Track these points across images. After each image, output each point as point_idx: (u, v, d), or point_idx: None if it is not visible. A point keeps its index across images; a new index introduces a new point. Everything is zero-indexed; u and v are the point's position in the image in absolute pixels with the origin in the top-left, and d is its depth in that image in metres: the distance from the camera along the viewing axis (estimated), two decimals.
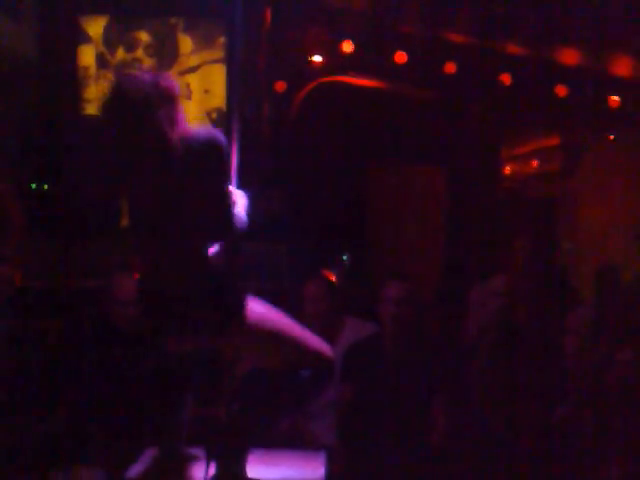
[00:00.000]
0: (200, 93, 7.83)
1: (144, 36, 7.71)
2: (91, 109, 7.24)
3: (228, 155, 2.94)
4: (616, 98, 8.14)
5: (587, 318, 3.12)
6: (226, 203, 2.84)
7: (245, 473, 3.14)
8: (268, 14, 6.91)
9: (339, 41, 7.50)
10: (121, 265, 4.18)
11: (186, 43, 7.80)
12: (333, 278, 4.70)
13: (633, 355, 2.76)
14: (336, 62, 7.60)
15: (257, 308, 2.99)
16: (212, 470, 3.19)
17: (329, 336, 4.33)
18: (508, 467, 2.27)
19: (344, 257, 7.51)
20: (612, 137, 9.80)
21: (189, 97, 7.86)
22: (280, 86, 7.41)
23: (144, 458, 3.48)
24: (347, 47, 7.50)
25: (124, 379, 3.80)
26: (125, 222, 6.73)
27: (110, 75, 7.58)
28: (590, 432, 1.91)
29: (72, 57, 7.01)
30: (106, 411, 3.68)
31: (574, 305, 3.67)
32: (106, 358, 3.84)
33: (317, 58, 7.54)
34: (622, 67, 8.03)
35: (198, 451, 3.34)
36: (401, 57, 7.59)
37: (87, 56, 7.45)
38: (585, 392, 2.48)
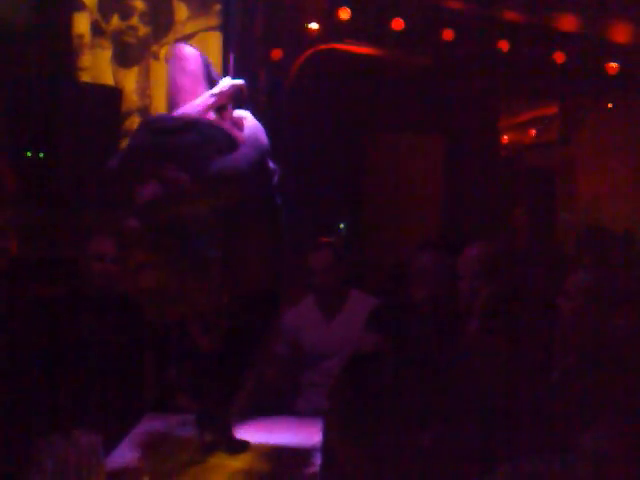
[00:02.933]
0: None
1: (139, 3, 7.63)
2: (86, 77, 7.18)
3: None
4: (614, 65, 8.10)
5: (584, 282, 3.13)
6: None
7: (228, 414, 3.19)
8: None
9: (336, 8, 7.44)
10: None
11: (181, 10, 7.72)
12: (339, 246, 4.57)
13: (628, 318, 2.78)
14: (333, 29, 7.55)
15: None
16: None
17: (334, 307, 4.33)
18: (505, 425, 2.29)
19: (341, 226, 7.50)
20: (610, 105, 9.77)
21: None
22: (276, 54, 7.36)
23: (143, 423, 3.50)
24: (344, 14, 7.44)
25: (112, 343, 3.81)
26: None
27: (105, 43, 7.52)
28: (586, 392, 1.93)
29: (66, 25, 6.94)
30: (102, 376, 3.69)
31: (571, 269, 3.68)
32: (92, 323, 3.83)
33: (314, 25, 7.49)
34: (620, 33, 7.98)
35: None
36: (398, 24, 7.53)
37: (81, 24, 7.37)
38: (582, 353, 2.50)
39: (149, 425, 3.49)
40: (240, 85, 3.28)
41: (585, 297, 2.96)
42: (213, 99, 3.20)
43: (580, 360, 2.33)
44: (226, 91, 3.23)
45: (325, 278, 4.29)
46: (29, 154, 5.38)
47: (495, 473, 1.54)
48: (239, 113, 3.34)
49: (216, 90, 3.22)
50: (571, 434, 1.85)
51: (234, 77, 3.51)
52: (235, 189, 3.03)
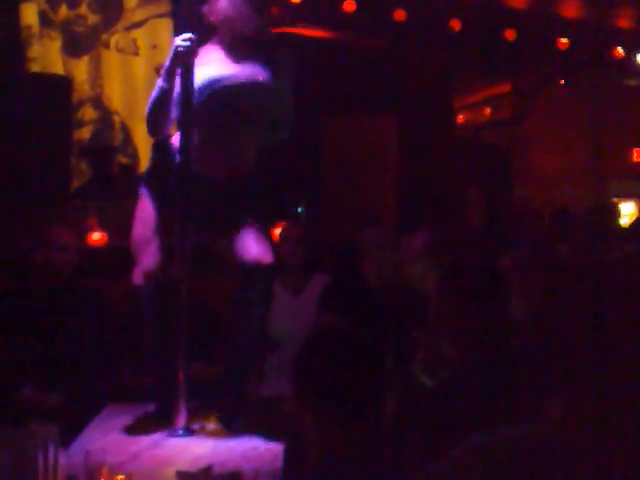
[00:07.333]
0: (148, 49, 7.72)
1: None
2: (35, 67, 7.10)
3: None
4: (565, 40, 8.16)
5: (525, 255, 3.25)
6: None
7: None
8: None
9: None
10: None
11: None
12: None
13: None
14: (285, 13, 7.51)
15: None
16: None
17: (297, 286, 4.39)
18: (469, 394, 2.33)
19: (299, 209, 7.49)
20: (562, 81, 9.86)
21: (136, 53, 7.75)
22: None
23: (103, 414, 3.49)
24: None
25: (73, 332, 3.79)
26: (75, 186, 6.59)
27: (54, 33, 7.43)
28: (537, 362, 1.95)
29: (14, 16, 6.84)
30: (62, 367, 3.67)
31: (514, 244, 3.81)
32: (51, 313, 3.81)
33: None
34: (569, 9, 8.04)
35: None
36: (350, 6, 7.53)
37: (29, 15, 7.29)
38: (529, 323, 2.57)
39: (110, 414, 3.48)
40: (187, 38, 3.29)
41: (525, 268, 3.06)
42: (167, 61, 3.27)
43: (533, 325, 2.39)
44: (175, 49, 3.27)
45: (294, 250, 4.37)
46: None
47: (465, 443, 1.54)
48: None
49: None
50: (536, 403, 1.87)
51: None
52: None
